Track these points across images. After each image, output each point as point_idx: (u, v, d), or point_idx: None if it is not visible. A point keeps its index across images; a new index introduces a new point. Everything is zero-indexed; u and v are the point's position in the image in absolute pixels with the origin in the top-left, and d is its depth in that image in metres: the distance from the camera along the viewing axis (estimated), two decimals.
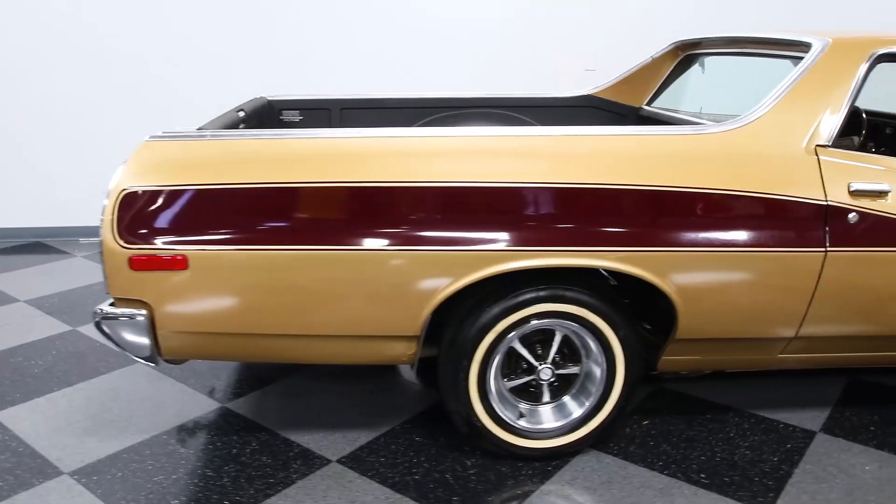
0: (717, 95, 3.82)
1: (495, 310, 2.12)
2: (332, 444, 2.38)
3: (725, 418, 2.57)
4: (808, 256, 2.13)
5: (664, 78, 3.36)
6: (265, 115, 3.19)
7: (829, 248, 2.14)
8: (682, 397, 2.72)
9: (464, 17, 4.83)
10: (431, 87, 3.52)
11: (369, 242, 1.97)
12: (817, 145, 2.20)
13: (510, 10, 4.85)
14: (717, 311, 2.18)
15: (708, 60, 3.35)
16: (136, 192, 1.94)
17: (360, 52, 4.75)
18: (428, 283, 2.02)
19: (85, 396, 2.67)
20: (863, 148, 3.23)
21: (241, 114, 2.67)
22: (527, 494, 2.14)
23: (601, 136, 2.13)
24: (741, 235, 2.10)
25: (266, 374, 2.85)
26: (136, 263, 1.95)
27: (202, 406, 2.61)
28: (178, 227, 1.95)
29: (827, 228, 2.13)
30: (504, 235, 2.00)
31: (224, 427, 2.47)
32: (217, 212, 1.95)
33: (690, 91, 3.45)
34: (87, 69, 4.64)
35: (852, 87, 2.26)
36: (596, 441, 2.34)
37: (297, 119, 3.29)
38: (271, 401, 2.66)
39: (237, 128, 2.58)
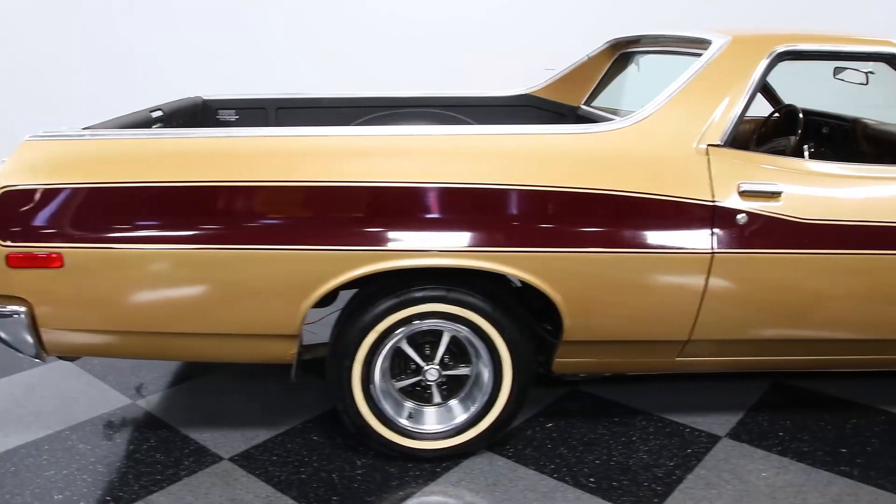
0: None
1: (376, 310, 2.12)
2: (228, 441, 2.39)
3: (632, 422, 2.53)
4: (695, 258, 2.10)
5: (601, 76, 3.32)
6: (199, 114, 3.21)
7: (715, 250, 2.09)
8: (594, 400, 2.69)
9: (428, 17, 4.82)
10: (371, 87, 3.51)
11: (242, 241, 1.97)
12: (709, 145, 2.16)
13: (479, 9, 4.83)
14: (603, 314, 2.15)
15: (651, 59, 3.31)
16: (13, 191, 1.97)
17: (322, 50, 4.75)
18: (302, 283, 2.02)
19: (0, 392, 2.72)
20: (799, 148, 3.17)
21: (158, 113, 2.68)
22: (408, 496, 2.13)
23: (483, 135, 2.11)
24: (625, 236, 2.07)
25: (184, 372, 2.87)
26: (13, 261, 1.98)
27: (113, 403, 2.64)
28: (55, 225, 1.98)
29: (714, 230, 2.09)
30: (376, 236, 2.00)
31: (128, 424, 2.50)
32: (92, 210, 1.97)
33: (637, 89, 3.41)
34: None
35: (749, 85, 2.22)
36: (491, 442, 2.32)
37: (233, 118, 3.31)
38: (183, 398, 2.68)
39: (148, 127, 2.60)
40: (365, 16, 4.76)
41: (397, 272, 2.08)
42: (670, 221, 2.08)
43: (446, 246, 2.01)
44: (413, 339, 2.24)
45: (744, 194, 2.12)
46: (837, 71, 2.96)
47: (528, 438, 2.42)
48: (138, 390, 2.73)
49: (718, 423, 2.53)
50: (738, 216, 2.10)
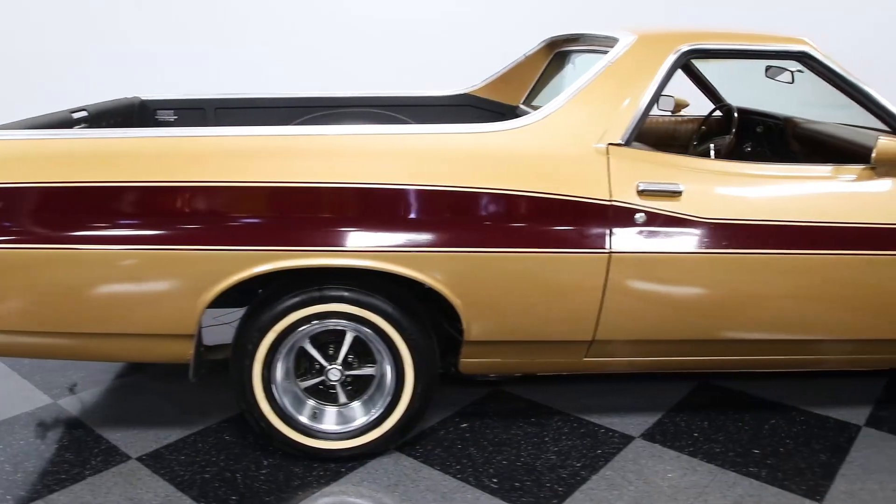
0: None
1: (274, 311, 2.12)
2: (140, 441, 2.39)
3: (548, 422, 2.52)
4: (592, 258, 2.09)
5: (539, 75, 3.31)
6: (136, 115, 3.22)
7: (613, 250, 2.08)
8: (515, 400, 2.68)
9: (392, 17, 4.82)
10: (310, 87, 3.51)
11: (137, 242, 1.98)
12: (610, 144, 2.14)
13: (440, 9, 4.83)
14: (502, 314, 2.14)
15: (588, 58, 3.29)
16: None
17: (299, 50, 4.75)
18: (196, 283, 2.02)
19: None
20: (738, 148, 3.16)
21: (82, 114, 2.69)
22: (307, 495, 2.13)
23: (380, 135, 2.11)
24: (521, 236, 2.07)
25: (111, 371, 2.88)
26: None
27: (34, 402, 2.65)
28: None
29: (611, 230, 2.08)
30: (267, 236, 2.00)
31: (45, 423, 2.51)
32: None
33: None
34: None
35: (654, 83, 2.21)
36: (399, 443, 2.32)
37: (171, 119, 3.31)
38: (104, 398, 2.69)
39: (69, 128, 2.61)
40: (343, 17, 4.77)
41: (301, 272, 2.09)
42: (567, 221, 2.08)
43: (339, 246, 2.01)
44: (319, 339, 2.23)
45: (642, 193, 2.11)
46: (768, 70, 2.94)
47: (440, 439, 2.42)
48: (71, 389, 2.74)
49: (635, 424, 2.52)
50: (637, 216, 2.09)
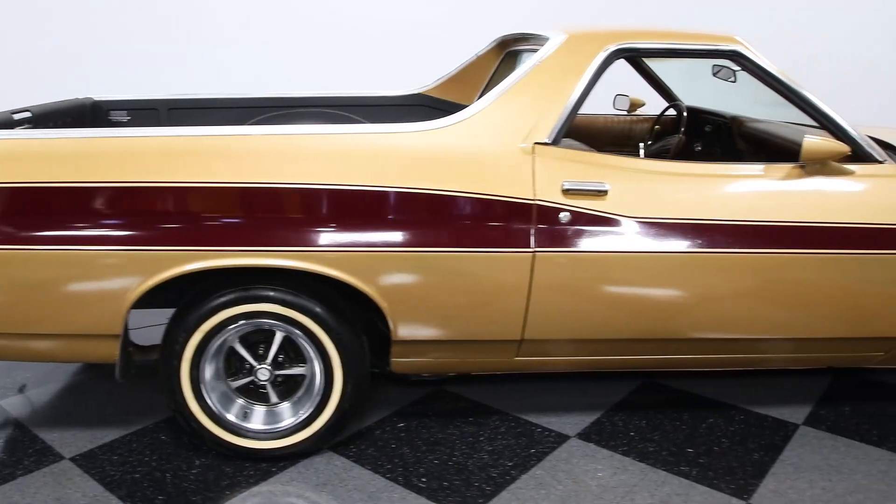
0: None
1: (200, 311, 2.12)
2: (76, 441, 2.39)
3: (486, 422, 2.52)
4: (515, 257, 2.09)
5: (491, 75, 3.31)
6: (88, 115, 3.22)
7: (537, 249, 2.09)
8: (455, 399, 2.68)
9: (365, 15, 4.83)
10: (266, 87, 3.52)
11: (60, 242, 1.98)
12: (536, 143, 2.15)
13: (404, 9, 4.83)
14: (427, 313, 2.15)
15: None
16: None
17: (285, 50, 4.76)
18: (120, 284, 2.02)
19: None
20: (688, 147, 3.16)
21: (25, 114, 2.69)
22: (235, 495, 2.13)
23: (304, 135, 2.11)
24: (445, 235, 2.07)
25: (55, 371, 2.88)
26: None
27: None
28: None
29: (535, 229, 2.08)
30: (189, 236, 2.00)
31: None
32: None
33: None
34: None
35: (582, 83, 2.21)
36: (333, 442, 2.33)
37: (125, 119, 3.31)
38: (46, 398, 2.69)
39: (9, 129, 2.61)
40: (317, 15, 4.77)
41: (229, 272, 2.09)
42: (490, 220, 2.08)
43: (262, 246, 2.02)
44: (250, 339, 2.23)
45: (567, 192, 2.11)
46: (714, 69, 2.94)
47: (375, 438, 2.42)
48: (20, 390, 2.74)
49: (573, 423, 2.52)
50: (561, 215, 2.09)
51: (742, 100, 2.99)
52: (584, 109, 2.27)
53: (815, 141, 2.14)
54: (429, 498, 2.12)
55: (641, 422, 2.53)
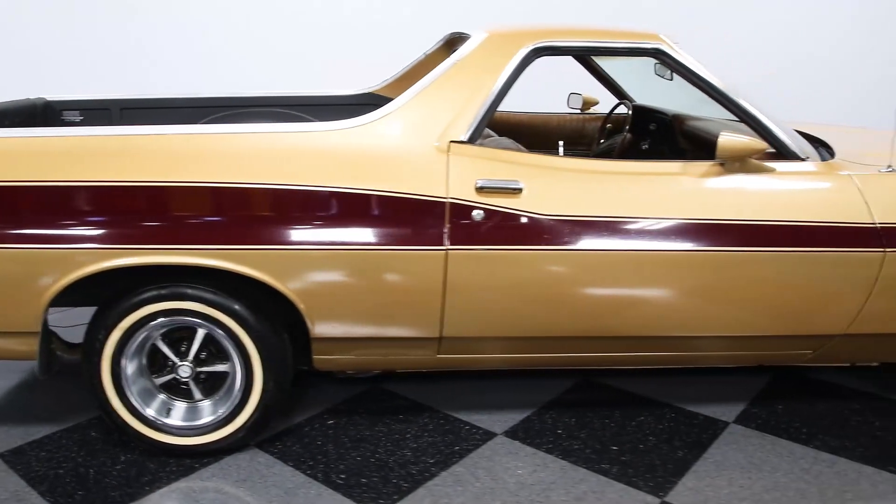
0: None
1: (119, 308, 2.14)
2: (7, 437, 2.42)
3: (415, 419, 2.53)
4: (429, 255, 2.10)
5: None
6: (39, 115, 3.25)
7: (450, 247, 2.10)
8: (389, 396, 2.70)
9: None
10: (219, 87, 3.54)
11: None
12: (452, 141, 2.16)
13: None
14: (343, 311, 2.16)
15: None
16: None
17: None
18: (35, 282, 2.05)
19: None
20: (635, 145, 3.16)
21: None
22: (153, 490, 2.15)
23: (219, 134, 2.13)
24: (361, 234, 2.08)
25: (4, 367, 2.91)
26: None
27: None
28: None
29: (448, 227, 2.09)
30: (107, 234, 2.02)
31: None
32: None
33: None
34: None
35: (500, 81, 2.21)
36: (258, 439, 2.35)
37: (77, 119, 3.34)
38: None
39: None
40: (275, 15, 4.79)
41: (151, 270, 2.11)
42: (404, 218, 2.09)
43: (177, 244, 2.03)
44: (173, 336, 2.25)
45: (481, 190, 2.12)
46: (656, 67, 2.94)
47: (303, 435, 2.43)
48: None
49: (502, 421, 2.52)
50: (474, 213, 2.10)
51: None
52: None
53: (730, 138, 2.14)
54: (345, 494, 2.13)
55: (571, 420, 2.54)
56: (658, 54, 2.31)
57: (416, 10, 4.89)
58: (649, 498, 2.13)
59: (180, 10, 4.75)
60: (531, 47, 2.24)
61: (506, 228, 2.11)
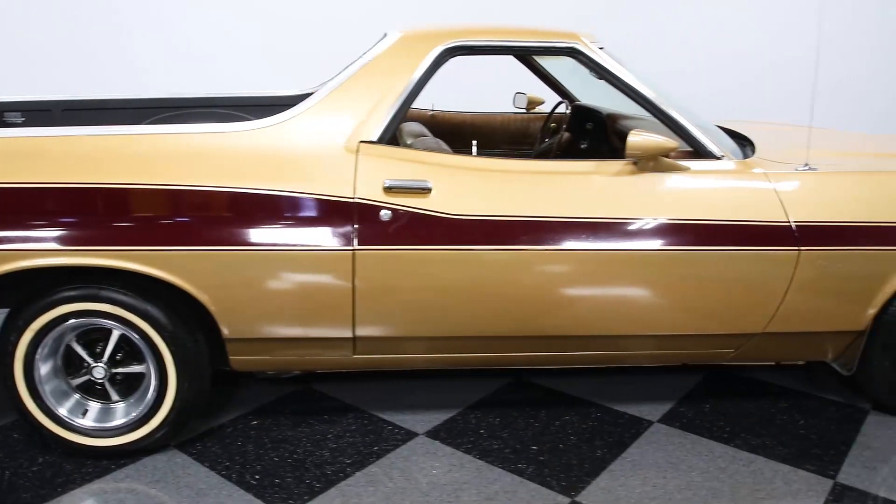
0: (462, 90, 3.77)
1: (29, 310, 2.14)
2: None
3: (339, 419, 2.53)
4: (336, 255, 2.10)
5: None
6: None
7: (357, 247, 2.10)
8: (319, 398, 2.70)
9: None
10: (163, 87, 3.54)
11: None
12: (361, 141, 2.16)
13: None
14: (253, 311, 2.16)
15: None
16: None
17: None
18: None
19: None
20: (574, 144, 3.16)
21: None
22: (66, 492, 2.15)
23: (125, 135, 2.13)
24: (269, 234, 2.09)
25: None
26: None
27: None
28: None
29: (356, 227, 2.09)
30: (17, 235, 2.03)
31: None
32: None
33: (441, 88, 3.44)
34: None
35: (411, 81, 2.22)
36: (177, 440, 2.35)
37: (19, 120, 3.34)
38: None
39: None
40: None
41: (63, 271, 2.11)
42: (312, 219, 2.09)
43: (83, 245, 2.04)
44: (90, 336, 2.25)
45: (389, 190, 2.12)
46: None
47: (224, 436, 2.43)
48: None
49: (426, 421, 2.52)
50: (382, 213, 2.10)
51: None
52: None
53: (638, 137, 2.14)
54: (256, 495, 2.13)
55: (496, 420, 2.54)
56: (574, 53, 2.31)
57: (380, 8, 4.88)
58: (560, 497, 2.13)
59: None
60: (444, 47, 2.24)
61: (414, 228, 2.11)
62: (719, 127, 2.91)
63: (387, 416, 2.56)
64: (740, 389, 2.77)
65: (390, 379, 2.81)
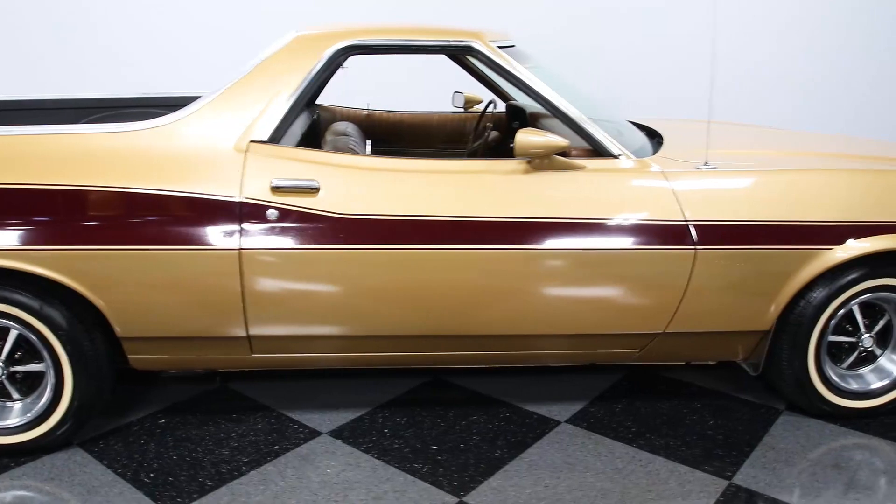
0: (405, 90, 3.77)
1: None
2: None
3: (248, 418, 2.54)
4: (223, 255, 2.11)
5: None
6: None
7: (243, 247, 2.10)
8: (233, 396, 2.70)
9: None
10: (93, 88, 3.57)
11: None
12: (252, 141, 2.16)
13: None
14: (147, 311, 2.17)
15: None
16: None
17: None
18: None
19: None
20: (504, 143, 3.15)
21: None
22: None
23: (14, 136, 2.14)
24: (158, 234, 2.10)
25: None
26: None
27: None
28: None
29: (242, 227, 2.10)
30: None
31: None
32: None
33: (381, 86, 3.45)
34: None
35: (304, 81, 2.22)
36: (78, 438, 2.37)
37: None
38: None
39: None
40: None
41: None
42: (199, 218, 2.10)
43: None
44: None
45: (277, 190, 2.12)
46: None
47: (129, 434, 2.44)
48: None
49: (332, 420, 2.53)
50: (268, 212, 2.11)
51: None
52: None
53: (526, 136, 2.14)
54: (146, 493, 2.14)
55: (403, 419, 2.53)
56: (472, 52, 2.31)
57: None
58: (448, 497, 2.12)
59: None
60: (339, 46, 2.25)
61: (301, 228, 2.12)
62: (638, 125, 2.91)
63: (295, 416, 2.56)
64: (658, 390, 2.76)
65: (308, 378, 2.81)
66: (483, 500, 2.11)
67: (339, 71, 3.67)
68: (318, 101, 3.50)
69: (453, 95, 3.55)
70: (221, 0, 5.02)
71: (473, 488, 2.16)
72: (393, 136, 3.49)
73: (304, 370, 2.81)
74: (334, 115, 3.47)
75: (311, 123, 3.31)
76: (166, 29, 4.90)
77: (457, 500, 2.11)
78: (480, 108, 3.56)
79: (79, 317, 2.21)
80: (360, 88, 3.86)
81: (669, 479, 2.21)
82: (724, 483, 2.19)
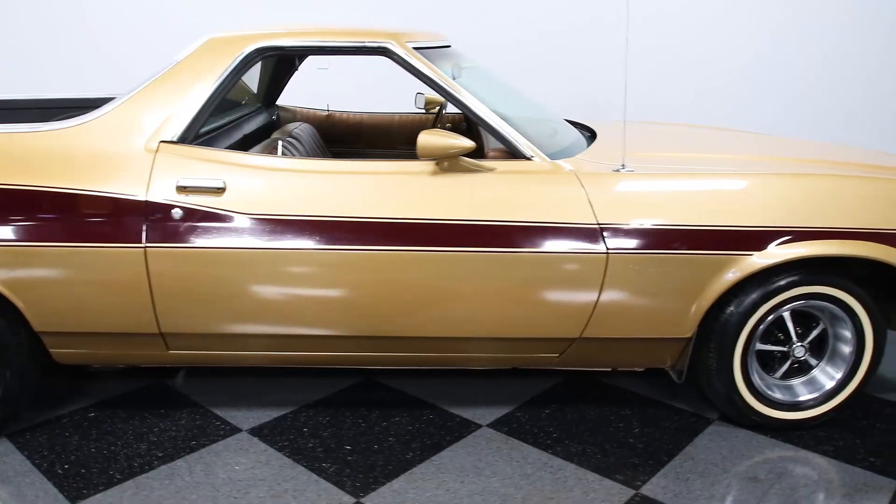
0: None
1: None
2: None
3: (174, 413, 2.58)
4: (127, 253, 2.15)
5: (260, 74, 3.35)
6: None
7: (148, 245, 2.14)
8: (165, 392, 2.75)
9: None
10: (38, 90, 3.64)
11: None
12: (162, 141, 2.20)
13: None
14: (60, 307, 2.22)
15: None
16: None
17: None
18: None
19: None
20: None
21: None
22: None
23: None
24: (68, 232, 2.15)
25: None
26: None
27: None
28: None
29: (147, 225, 2.14)
30: None
31: None
32: None
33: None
34: None
35: (216, 83, 2.25)
36: (11, 430, 2.43)
37: None
38: None
39: None
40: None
41: None
42: (105, 217, 2.14)
43: None
44: None
45: (182, 189, 2.15)
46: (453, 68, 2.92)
47: (56, 427, 2.50)
48: None
49: (255, 418, 2.55)
50: (173, 211, 2.14)
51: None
52: None
53: (427, 137, 2.13)
54: (55, 484, 2.19)
55: (325, 419, 2.55)
56: (386, 53, 2.31)
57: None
58: (346, 498, 2.13)
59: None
60: (251, 49, 2.27)
61: (205, 227, 2.14)
62: (577, 124, 2.87)
63: (220, 412, 2.59)
64: (591, 396, 2.71)
65: (247, 376, 2.84)
66: (381, 501, 2.11)
67: (321, 72, 3.72)
68: (279, 102, 3.55)
69: (416, 96, 3.54)
70: (217, 1, 5.09)
71: (374, 489, 2.16)
72: (352, 137, 3.51)
73: (248, 368, 2.83)
74: (294, 115, 3.51)
75: (268, 124, 3.35)
76: (161, 30, 4.99)
77: (354, 500, 2.11)
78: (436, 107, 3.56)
79: (2, 312, 2.27)
80: (343, 90, 3.91)
81: (575, 486, 2.18)
82: (631, 493, 2.15)
